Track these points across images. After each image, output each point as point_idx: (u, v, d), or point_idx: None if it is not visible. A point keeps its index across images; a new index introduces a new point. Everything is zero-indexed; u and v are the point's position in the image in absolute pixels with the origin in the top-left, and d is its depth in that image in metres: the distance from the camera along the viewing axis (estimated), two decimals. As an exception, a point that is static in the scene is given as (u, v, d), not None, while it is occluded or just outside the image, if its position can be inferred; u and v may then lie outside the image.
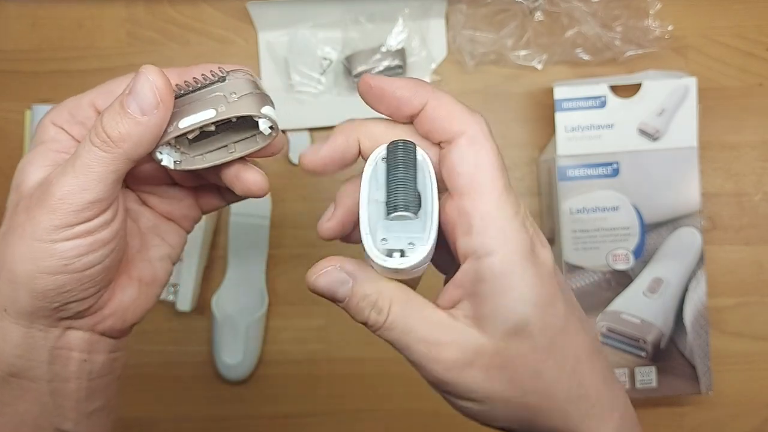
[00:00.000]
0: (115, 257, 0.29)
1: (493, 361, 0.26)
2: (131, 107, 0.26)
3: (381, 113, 0.28)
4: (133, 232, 0.32)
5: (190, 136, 0.28)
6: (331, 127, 0.57)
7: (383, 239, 0.26)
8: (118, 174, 0.27)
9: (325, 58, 0.57)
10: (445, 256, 0.29)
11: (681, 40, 0.58)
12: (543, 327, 0.26)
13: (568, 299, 0.27)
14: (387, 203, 0.25)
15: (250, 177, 0.30)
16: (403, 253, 0.26)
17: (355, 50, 0.56)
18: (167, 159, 0.29)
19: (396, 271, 0.26)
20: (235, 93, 0.28)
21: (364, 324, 0.27)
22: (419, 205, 0.26)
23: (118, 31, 0.58)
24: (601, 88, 0.52)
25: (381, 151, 0.26)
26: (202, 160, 0.29)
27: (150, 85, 0.26)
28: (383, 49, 0.56)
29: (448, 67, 0.58)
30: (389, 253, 0.26)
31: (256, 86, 0.28)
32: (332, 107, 0.57)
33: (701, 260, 0.52)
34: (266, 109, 0.28)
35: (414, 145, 0.26)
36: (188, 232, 0.35)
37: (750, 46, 0.58)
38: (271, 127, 0.28)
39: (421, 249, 0.26)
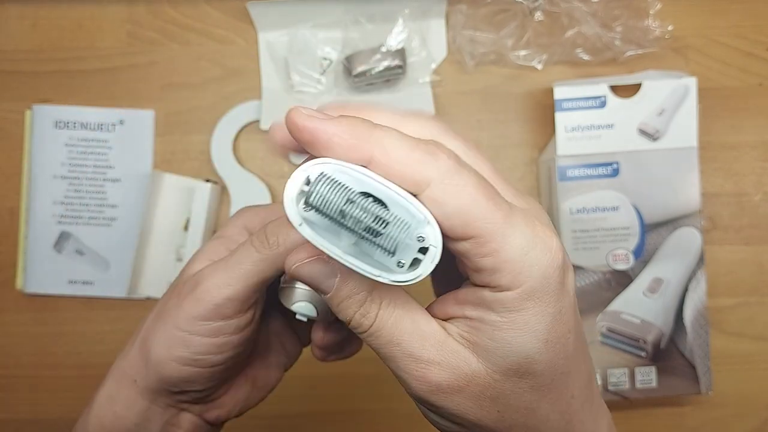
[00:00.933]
0: (241, 360, 0.31)
1: (486, 391, 0.24)
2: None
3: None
4: (260, 334, 0.34)
5: None
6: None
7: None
8: (263, 277, 0.28)
9: (325, 59, 0.57)
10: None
11: (681, 40, 0.58)
12: (548, 368, 0.23)
13: (578, 330, 0.25)
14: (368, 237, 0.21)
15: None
16: (414, 262, 0.22)
17: (355, 50, 0.56)
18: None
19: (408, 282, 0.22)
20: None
21: (347, 324, 0.25)
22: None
23: (119, 32, 0.58)
24: (601, 88, 0.52)
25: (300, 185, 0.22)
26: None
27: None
28: (383, 49, 0.55)
29: (448, 67, 0.58)
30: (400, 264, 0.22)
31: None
32: (332, 107, 0.57)
33: (701, 260, 0.52)
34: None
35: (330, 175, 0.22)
36: (305, 345, 0.37)
37: (750, 46, 0.58)
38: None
39: (432, 251, 0.22)
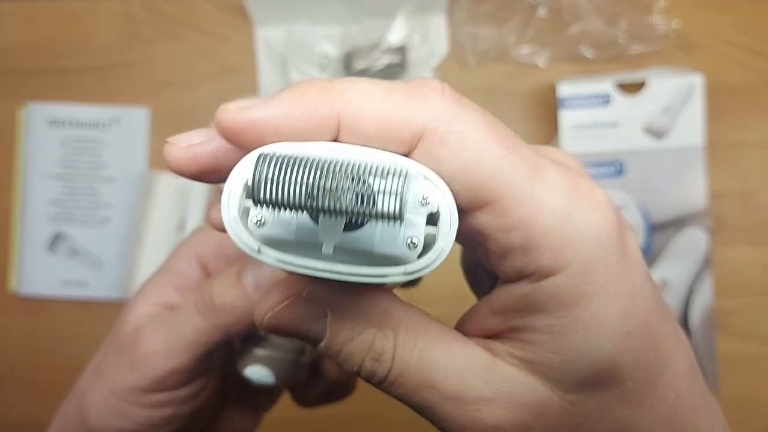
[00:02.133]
0: (200, 425, 0.27)
1: (562, 421, 0.17)
2: (247, 278, 0.23)
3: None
4: (214, 399, 0.29)
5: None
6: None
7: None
8: (209, 347, 0.24)
9: (324, 56, 0.56)
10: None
11: (686, 37, 0.57)
12: (636, 368, 0.17)
13: (661, 306, 0.18)
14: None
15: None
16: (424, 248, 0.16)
17: (355, 47, 0.55)
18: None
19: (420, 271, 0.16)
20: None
21: (357, 375, 0.18)
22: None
23: (113, 28, 0.58)
24: (606, 86, 0.51)
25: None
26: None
27: (275, 278, 0.22)
28: (383, 46, 0.55)
29: (450, 64, 0.57)
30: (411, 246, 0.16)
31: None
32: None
33: (707, 261, 0.52)
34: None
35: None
36: (266, 410, 0.33)
37: (756, 43, 0.57)
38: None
39: (445, 214, 0.16)
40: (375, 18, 0.56)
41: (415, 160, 0.16)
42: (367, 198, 0.15)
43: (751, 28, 0.57)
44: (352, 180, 0.15)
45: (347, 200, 0.14)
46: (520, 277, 0.17)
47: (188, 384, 0.25)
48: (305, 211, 0.15)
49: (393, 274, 0.16)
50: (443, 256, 0.16)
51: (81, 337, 0.56)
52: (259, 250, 0.16)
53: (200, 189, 0.54)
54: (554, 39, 0.56)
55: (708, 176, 0.52)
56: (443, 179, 0.16)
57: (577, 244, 0.16)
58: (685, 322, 0.51)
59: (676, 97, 0.51)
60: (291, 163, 0.15)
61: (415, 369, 0.17)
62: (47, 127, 0.56)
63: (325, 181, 0.15)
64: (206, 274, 0.27)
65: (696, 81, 0.51)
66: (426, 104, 0.16)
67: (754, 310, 0.56)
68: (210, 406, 0.28)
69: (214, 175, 0.18)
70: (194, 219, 0.54)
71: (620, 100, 0.51)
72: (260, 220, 0.16)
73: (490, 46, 0.56)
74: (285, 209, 0.15)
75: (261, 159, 0.15)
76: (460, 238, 0.17)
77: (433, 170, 0.16)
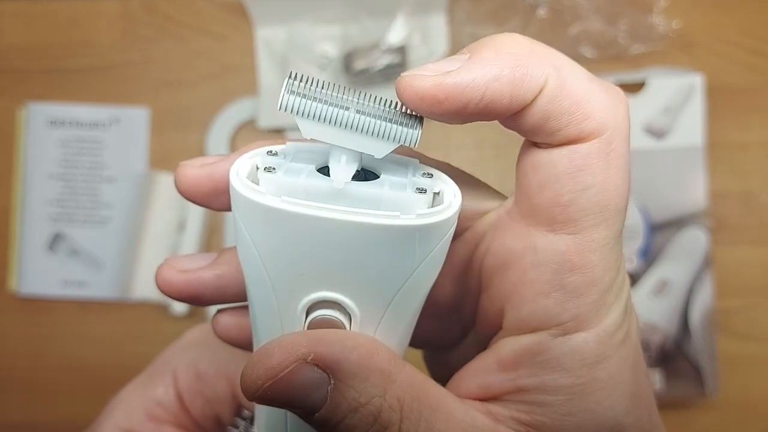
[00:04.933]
0: None
1: None
2: None
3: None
4: None
5: None
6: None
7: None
8: None
9: (324, 56, 0.56)
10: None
11: (687, 37, 0.57)
12: (635, 427, 0.17)
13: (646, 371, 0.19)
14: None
15: None
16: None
17: (355, 47, 0.55)
18: None
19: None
20: None
21: None
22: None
23: (114, 28, 0.58)
24: (606, 86, 0.51)
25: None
26: None
27: None
28: (383, 46, 0.55)
29: (450, 64, 0.57)
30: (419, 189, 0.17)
31: None
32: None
33: (707, 261, 0.52)
34: None
35: None
36: None
37: (757, 43, 0.57)
38: None
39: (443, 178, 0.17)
40: (375, 18, 0.56)
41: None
42: (390, 112, 0.16)
43: (752, 28, 0.57)
44: (375, 100, 0.16)
45: (374, 110, 0.16)
46: (544, 324, 0.16)
47: None
48: (332, 117, 0.15)
49: (406, 218, 0.15)
50: (455, 209, 0.16)
51: (81, 337, 0.56)
52: (264, 195, 0.16)
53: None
54: (554, 39, 0.56)
55: (708, 176, 0.52)
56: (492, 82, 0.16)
57: (604, 319, 0.16)
58: (685, 323, 0.51)
59: (677, 97, 0.51)
60: (322, 81, 0.16)
61: None
62: (47, 127, 0.56)
63: (353, 96, 0.16)
64: (181, 408, 0.25)
65: (696, 81, 0.51)
66: (618, 110, 0.17)
67: (755, 310, 0.56)
68: None
69: (225, 196, 0.18)
70: (194, 219, 0.54)
71: (620, 100, 0.51)
72: (271, 167, 0.16)
73: (490, 46, 0.56)
74: (309, 115, 0.15)
75: (292, 74, 0.16)
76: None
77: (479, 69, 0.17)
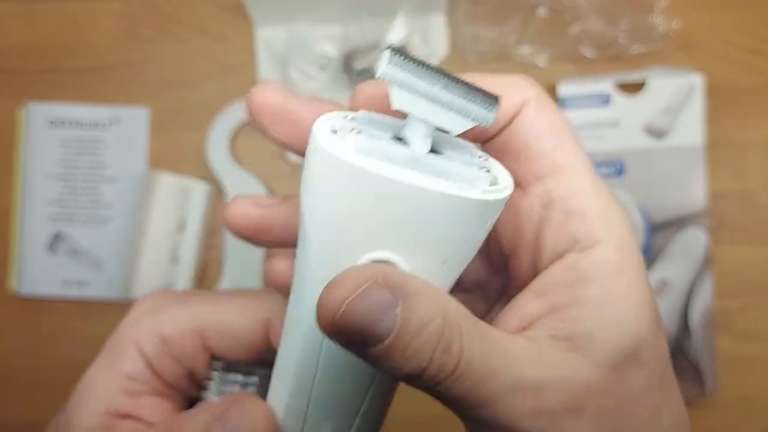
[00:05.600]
0: None
1: (606, 401, 0.18)
2: None
3: None
4: None
5: None
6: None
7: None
8: None
9: (324, 56, 0.56)
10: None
11: (687, 37, 0.57)
12: (656, 354, 0.19)
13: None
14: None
15: None
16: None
17: (355, 47, 0.55)
18: None
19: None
20: None
21: (416, 376, 0.17)
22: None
23: (113, 28, 0.58)
24: (606, 86, 0.51)
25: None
26: None
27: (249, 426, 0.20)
28: (383, 46, 0.55)
29: (450, 63, 0.57)
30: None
31: None
32: (331, 105, 0.56)
33: (707, 261, 0.52)
34: None
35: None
36: None
37: (757, 43, 0.57)
38: None
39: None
40: (375, 18, 0.56)
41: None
42: (473, 92, 0.17)
43: (752, 28, 0.57)
44: (463, 83, 0.17)
45: (461, 91, 0.17)
46: (569, 248, 0.19)
47: None
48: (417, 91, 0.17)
49: (474, 192, 0.17)
50: (510, 189, 0.18)
51: (81, 337, 0.57)
52: (353, 156, 0.17)
53: (200, 189, 0.54)
54: (554, 39, 0.56)
55: (708, 176, 0.52)
56: (528, 151, 0.20)
57: (616, 225, 0.19)
58: (685, 322, 0.52)
59: (677, 97, 0.51)
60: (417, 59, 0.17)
61: (478, 360, 0.17)
62: (47, 127, 0.56)
63: (440, 75, 0.17)
64: (154, 375, 0.25)
65: (696, 81, 0.51)
66: (529, 86, 0.20)
67: (755, 310, 0.56)
68: None
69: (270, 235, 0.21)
70: (194, 219, 0.54)
71: (620, 100, 0.51)
72: (356, 129, 0.18)
73: (491, 46, 0.56)
74: (408, 85, 0.17)
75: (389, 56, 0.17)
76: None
77: (525, 138, 0.20)
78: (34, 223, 0.56)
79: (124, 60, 0.57)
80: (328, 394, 0.20)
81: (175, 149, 0.57)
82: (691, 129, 0.51)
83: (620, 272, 0.18)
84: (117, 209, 0.56)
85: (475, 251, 0.19)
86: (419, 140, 0.18)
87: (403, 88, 0.17)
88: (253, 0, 0.55)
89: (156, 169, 0.56)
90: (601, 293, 0.18)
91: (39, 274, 0.56)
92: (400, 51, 0.17)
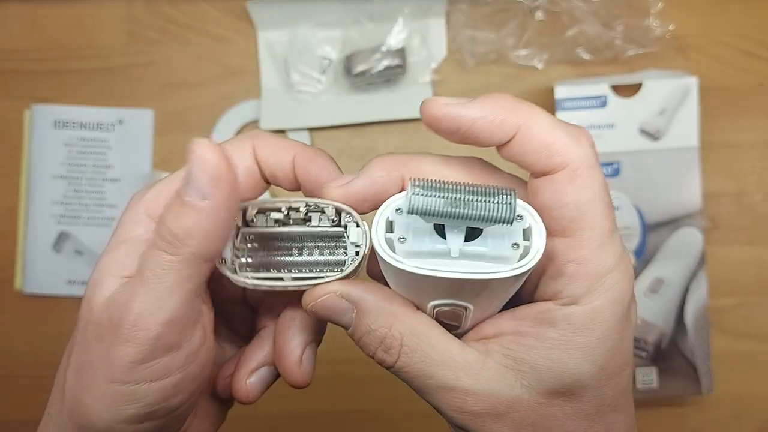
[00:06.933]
0: (203, 387, 0.25)
1: (527, 417, 0.22)
2: (189, 194, 0.22)
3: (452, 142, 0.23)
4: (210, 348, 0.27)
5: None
6: (330, 127, 0.58)
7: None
8: (194, 282, 0.22)
9: (325, 58, 0.57)
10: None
11: (682, 39, 0.57)
12: (596, 397, 0.22)
13: (632, 368, 0.24)
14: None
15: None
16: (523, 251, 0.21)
17: (355, 49, 0.55)
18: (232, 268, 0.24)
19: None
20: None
21: (372, 357, 0.24)
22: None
23: (118, 31, 0.58)
24: (602, 88, 0.52)
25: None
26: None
27: (202, 163, 0.21)
28: (383, 49, 0.55)
29: (449, 66, 0.58)
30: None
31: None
32: (332, 107, 0.56)
33: (702, 260, 0.52)
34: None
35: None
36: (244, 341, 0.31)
37: (751, 45, 0.57)
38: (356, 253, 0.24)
39: (537, 230, 0.21)
40: (375, 21, 0.56)
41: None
42: (489, 207, 0.20)
43: (746, 30, 0.58)
44: (479, 194, 0.20)
45: (478, 208, 0.20)
46: (553, 299, 0.22)
47: (188, 335, 0.23)
48: (443, 218, 0.20)
49: (505, 270, 0.21)
50: (539, 255, 0.21)
51: (85, 336, 0.57)
52: (402, 262, 0.21)
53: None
54: (552, 42, 0.57)
55: (703, 177, 0.53)
56: (548, 212, 0.22)
57: (603, 293, 0.21)
58: (680, 321, 0.52)
59: (672, 98, 0.52)
60: (438, 184, 0.21)
61: (416, 363, 0.23)
62: (52, 128, 0.57)
63: (462, 193, 0.20)
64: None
65: (691, 83, 0.52)
66: (580, 148, 0.22)
67: (748, 308, 0.56)
68: (214, 366, 0.27)
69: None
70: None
71: (616, 101, 0.52)
72: (402, 237, 0.22)
73: (489, 48, 0.57)
74: (431, 216, 0.20)
75: (414, 182, 0.21)
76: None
77: (550, 199, 0.22)
78: (39, 223, 0.56)
79: (129, 62, 0.58)
80: None
81: (179, 150, 0.57)
82: (686, 130, 0.52)
83: (581, 333, 0.22)
84: (121, 209, 0.56)
85: (511, 294, 0.23)
86: (455, 239, 0.21)
87: (432, 216, 0.21)
88: (256, 4, 0.55)
89: (160, 169, 0.57)
90: (559, 340, 0.22)
91: (44, 274, 0.56)
92: (423, 182, 0.20)
